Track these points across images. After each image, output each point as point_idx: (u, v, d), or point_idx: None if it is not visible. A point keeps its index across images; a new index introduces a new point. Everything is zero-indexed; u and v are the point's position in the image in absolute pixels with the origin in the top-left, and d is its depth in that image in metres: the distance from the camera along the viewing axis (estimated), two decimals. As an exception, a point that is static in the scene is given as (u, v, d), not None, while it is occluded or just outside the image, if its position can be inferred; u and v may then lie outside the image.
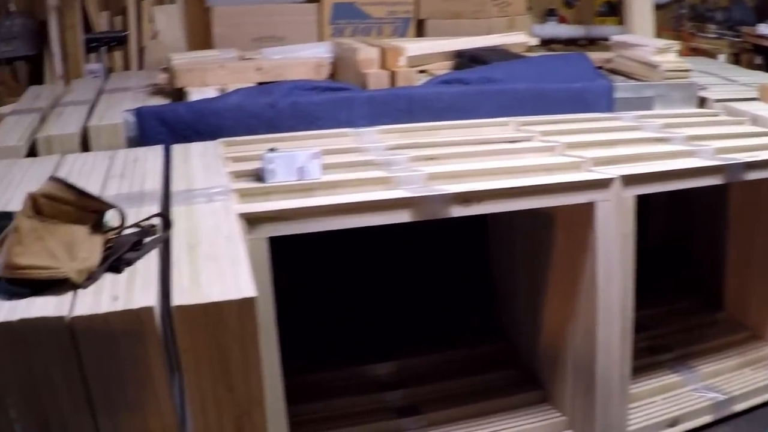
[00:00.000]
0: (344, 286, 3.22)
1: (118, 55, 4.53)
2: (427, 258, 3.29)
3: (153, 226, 1.92)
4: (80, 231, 1.68)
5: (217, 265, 1.72)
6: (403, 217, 2.17)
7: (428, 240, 3.10)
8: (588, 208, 2.34)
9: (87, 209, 1.70)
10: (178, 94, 3.29)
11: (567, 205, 2.35)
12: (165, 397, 1.64)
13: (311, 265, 3.05)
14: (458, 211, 2.20)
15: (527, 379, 2.96)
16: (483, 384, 2.94)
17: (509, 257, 3.08)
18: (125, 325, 1.55)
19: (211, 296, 1.58)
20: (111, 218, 1.85)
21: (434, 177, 2.31)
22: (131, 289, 1.62)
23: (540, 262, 2.74)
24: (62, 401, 1.61)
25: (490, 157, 2.56)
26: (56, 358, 1.56)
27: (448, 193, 2.18)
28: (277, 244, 2.08)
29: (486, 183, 2.26)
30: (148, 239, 1.85)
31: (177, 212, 2.04)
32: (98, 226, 1.74)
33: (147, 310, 1.55)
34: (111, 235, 1.79)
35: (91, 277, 1.66)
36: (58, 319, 1.53)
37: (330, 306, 3.17)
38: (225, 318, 1.58)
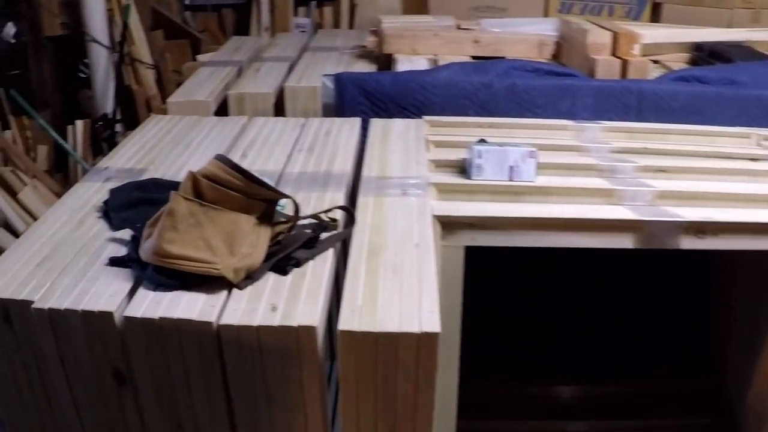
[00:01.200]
0: (538, 298, 2.90)
1: (328, 11, 4.35)
2: (634, 278, 2.92)
3: (334, 220, 1.65)
4: (245, 221, 1.44)
5: (400, 280, 1.45)
6: (624, 242, 1.85)
7: (639, 260, 2.74)
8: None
9: (255, 197, 1.44)
10: (386, 61, 3.04)
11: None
12: (317, 425, 1.44)
13: (504, 267, 2.74)
14: (688, 244, 1.85)
15: (727, 429, 2.60)
16: (678, 427, 2.62)
17: (730, 292, 2.71)
18: (281, 342, 1.34)
19: (386, 324, 1.31)
20: (286, 206, 1.60)
21: (664, 196, 1.96)
22: (294, 299, 1.40)
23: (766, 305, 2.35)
24: (200, 410, 1.47)
25: (728, 176, 2.17)
26: (198, 365, 1.40)
27: (682, 221, 1.83)
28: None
29: (723, 212, 1.90)
30: (325, 235, 1.58)
31: (363, 204, 1.77)
32: (267, 218, 1.49)
33: (308, 330, 1.33)
34: (281, 228, 1.52)
35: (250, 277, 1.44)
36: (205, 325, 1.35)
37: (520, 317, 2.86)
38: (399, 352, 1.32)
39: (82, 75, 4.07)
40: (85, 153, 3.76)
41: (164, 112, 2.79)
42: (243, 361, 1.36)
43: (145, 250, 1.44)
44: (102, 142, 3.86)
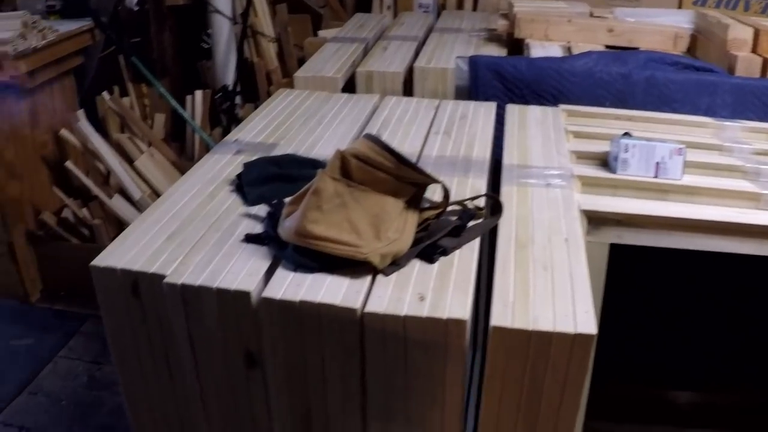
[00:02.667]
0: (659, 299, 2.78)
1: (452, -9, 4.24)
2: (758, 283, 2.79)
3: (480, 208, 1.57)
4: (393, 205, 1.37)
5: (551, 277, 1.36)
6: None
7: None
8: None
9: (405, 180, 1.37)
10: (516, 46, 2.94)
11: None
12: (454, 421, 1.36)
13: (627, 266, 2.65)
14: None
15: None
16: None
17: None
18: (428, 334, 1.26)
19: (539, 323, 1.23)
20: (432, 192, 1.53)
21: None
22: (443, 289, 1.31)
23: None
24: (332, 399, 1.40)
25: None
26: (336, 352, 1.33)
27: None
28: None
29: None
30: (471, 224, 1.50)
31: (506, 193, 1.68)
32: (414, 202, 1.41)
33: (458, 324, 1.24)
34: (429, 214, 1.45)
35: (396, 263, 1.35)
36: (348, 311, 1.28)
37: (642, 317, 2.75)
38: (550, 352, 1.24)
39: (204, 45, 4.06)
40: (203, 123, 3.74)
41: (285, 85, 2.75)
42: (385, 352, 1.28)
43: (286, 229, 1.38)
44: (220, 113, 3.85)
